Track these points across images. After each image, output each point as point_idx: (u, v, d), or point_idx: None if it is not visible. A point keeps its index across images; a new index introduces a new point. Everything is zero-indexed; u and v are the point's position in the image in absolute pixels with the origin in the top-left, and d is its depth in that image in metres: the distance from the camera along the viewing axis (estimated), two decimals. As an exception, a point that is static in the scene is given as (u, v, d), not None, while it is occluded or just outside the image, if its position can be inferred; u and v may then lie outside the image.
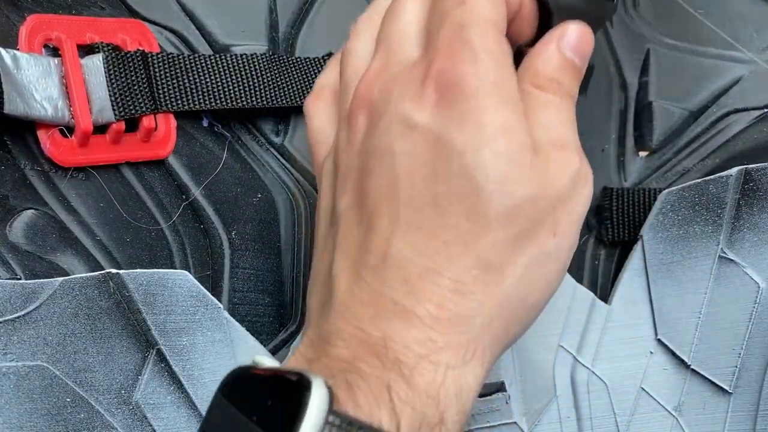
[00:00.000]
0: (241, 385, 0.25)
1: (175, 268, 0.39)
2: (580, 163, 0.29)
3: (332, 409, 0.23)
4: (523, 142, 0.27)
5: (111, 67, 0.37)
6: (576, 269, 0.45)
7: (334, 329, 0.27)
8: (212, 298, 0.37)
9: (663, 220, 0.42)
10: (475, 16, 0.28)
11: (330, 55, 0.45)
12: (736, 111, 0.47)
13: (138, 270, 0.35)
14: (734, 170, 0.41)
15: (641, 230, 0.43)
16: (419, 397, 0.25)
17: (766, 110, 0.47)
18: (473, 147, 0.26)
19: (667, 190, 0.42)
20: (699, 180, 0.41)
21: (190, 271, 0.40)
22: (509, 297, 0.27)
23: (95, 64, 0.37)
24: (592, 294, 0.43)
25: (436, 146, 0.27)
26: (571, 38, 0.30)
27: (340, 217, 0.29)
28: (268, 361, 0.27)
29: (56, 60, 0.36)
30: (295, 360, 0.28)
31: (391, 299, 0.26)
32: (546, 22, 0.31)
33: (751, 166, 0.40)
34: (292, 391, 0.23)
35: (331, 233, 0.30)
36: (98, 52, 0.37)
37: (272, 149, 0.43)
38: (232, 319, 0.37)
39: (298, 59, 0.44)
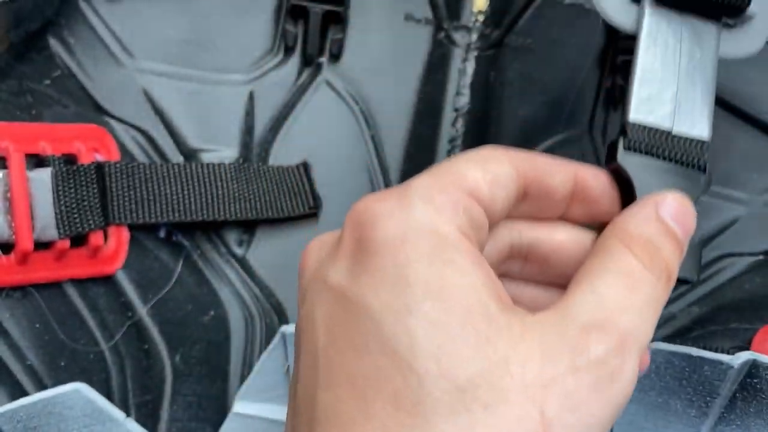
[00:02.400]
0: None
1: (112, 393, 0.37)
2: (619, 356, 0.21)
3: None
4: (469, 306, 0.20)
5: (60, 182, 0.35)
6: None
7: None
8: (111, 410, 0.33)
9: (643, 379, 0.37)
10: (433, 169, 0.23)
11: (306, 164, 0.43)
12: (730, 255, 0.45)
13: (16, 403, 0.31)
14: (739, 360, 0.33)
15: None
16: None
17: (761, 257, 0.44)
18: (398, 314, 0.20)
19: (654, 346, 0.35)
20: (694, 352, 0.34)
21: (128, 396, 0.38)
22: None
23: (43, 179, 0.35)
24: None
25: (352, 311, 0.21)
26: (672, 205, 0.24)
27: (289, 389, 0.25)
28: None
29: (1, 173, 0.34)
30: None
31: None
32: (628, 198, 0.26)
33: (760, 359, 0.33)
34: None
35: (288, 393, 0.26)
36: (48, 165, 0.35)
37: (233, 261, 0.41)
38: (138, 428, 0.34)
39: (270, 168, 0.42)
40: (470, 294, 0.21)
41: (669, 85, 0.28)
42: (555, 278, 0.27)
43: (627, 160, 0.27)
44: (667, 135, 0.27)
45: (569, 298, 0.22)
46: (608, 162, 0.27)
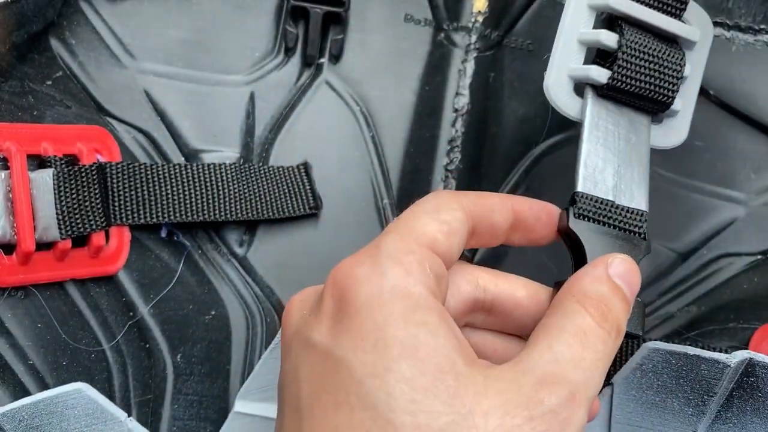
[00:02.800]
0: None
1: (114, 392, 0.37)
2: (569, 407, 0.23)
3: None
4: (439, 364, 0.23)
5: (61, 183, 0.35)
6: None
7: None
8: (113, 409, 0.33)
9: (641, 378, 0.37)
10: (395, 225, 0.26)
11: (306, 164, 0.43)
12: (728, 255, 0.45)
13: (18, 403, 0.31)
14: (735, 359, 0.33)
15: (614, 377, 0.40)
16: None
17: (759, 257, 0.45)
18: (375, 372, 0.23)
19: (652, 345, 0.35)
20: (691, 351, 0.34)
21: (129, 395, 0.38)
22: None
23: (44, 179, 0.35)
24: None
25: (335, 369, 0.23)
26: (620, 267, 0.28)
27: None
28: None
29: (4, 173, 0.34)
30: None
31: None
32: (579, 259, 0.30)
33: (757, 357, 0.33)
34: None
35: None
36: (50, 166, 0.35)
37: (234, 261, 0.42)
38: (139, 428, 0.34)
39: (270, 168, 0.42)
40: (441, 353, 0.23)
41: (610, 164, 0.32)
42: (515, 329, 0.30)
43: (577, 225, 0.30)
44: (611, 205, 0.31)
45: (528, 352, 0.25)
46: (560, 226, 0.31)
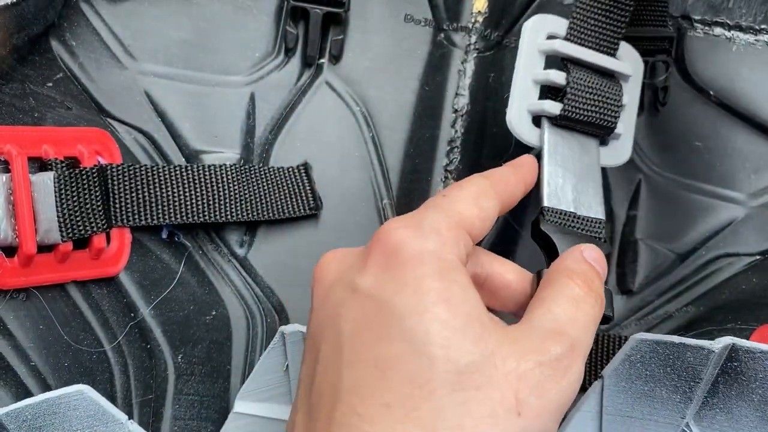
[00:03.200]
0: None
1: (116, 393, 0.37)
2: (565, 353, 0.28)
3: None
4: (468, 313, 0.27)
5: (62, 186, 0.35)
6: (541, 413, 0.43)
7: None
8: (114, 411, 0.34)
9: (630, 369, 0.38)
10: (441, 203, 0.30)
11: (306, 165, 0.43)
12: (727, 255, 0.45)
13: (21, 403, 0.32)
14: (719, 344, 0.35)
15: (603, 370, 0.40)
16: None
17: (758, 258, 0.45)
18: (415, 312, 0.26)
19: (640, 336, 0.36)
20: (677, 339, 0.36)
21: (131, 395, 0.38)
22: None
23: (45, 182, 0.35)
24: None
25: (378, 309, 0.27)
26: (592, 253, 0.33)
27: (301, 378, 0.30)
28: None
29: (5, 176, 0.35)
30: None
31: None
32: (552, 256, 0.35)
33: (739, 342, 0.35)
34: None
35: (295, 395, 0.31)
36: (51, 169, 0.36)
37: (234, 261, 0.42)
38: (139, 430, 0.34)
39: (271, 169, 0.42)
40: (469, 305, 0.27)
41: (569, 181, 0.37)
42: (498, 306, 0.34)
43: (547, 228, 0.36)
44: (573, 216, 0.36)
45: (530, 316, 0.30)
46: (534, 233, 0.36)
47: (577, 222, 0.36)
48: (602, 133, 0.39)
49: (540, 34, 0.38)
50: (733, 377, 0.36)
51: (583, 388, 0.43)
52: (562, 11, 0.46)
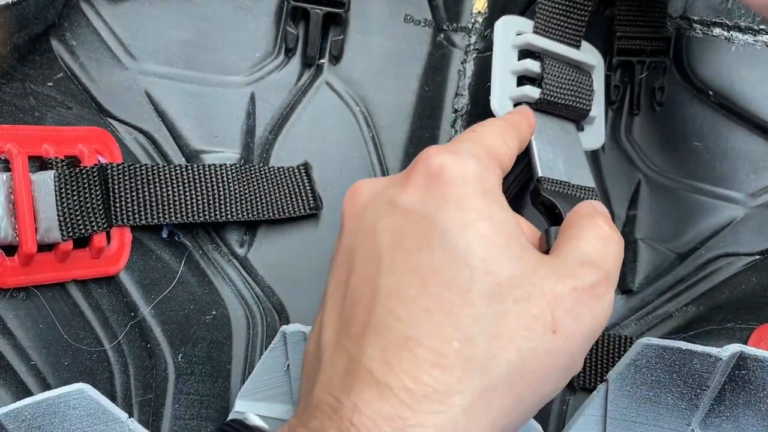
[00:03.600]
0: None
1: (116, 392, 0.37)
2: (599, 282, 0.28)
3: None
4: (509, 232, 0.28)
5: (63, 185, 0.35)
6: (542, 413, 0.43)
7: (315, 400, 0.26)
8: (114, 410, 0.34)
9: (635, 374, 0.38)
10: (471, 137, 0.31)
11: (306, 165, 0.43)
12: (726, 255, 0.45)
13: (20, 403, 0.32)
14: (727, 352, 0.34)
15: (608, 374, 0.40)
16: None
17: (758, 257, 0.45)
18: (458, 226, 0.27)
19: (646, 341, 0.36)
20: (683, 346, 0.35)
21: (131, 394, 0.38)
22: (494, 381, 0.26)
23: (46, 181, 0.35)
24: (538, 426, 0.40)
25: (419, 222, 0.27)
26: (599, 206, 0.33)
27: (327, 296, 0.30)
28: (257, 420, 0.29)
29: (5, 175, 0.35)
30: (283, 428, 0.28)
31: (367, 368, 0.26)
32: (555, 220, 0.36)
33: (748, 350, 0.34)
34: None
35: (319, 314, 0.30)
36: (51, 168, 0.36)
37: (235, 261, 0.42)
38: (139, 428, 0.34)
39: (271, 169, 0.42)
40: (511, 225, 0.28)
41: (559, 156, 0.39)
42: None
43: (548, 193, 0.37)
44: (568, 184, 0.37)
45: (558, 252, 0.29)
46: (534, 200, 0.37)
47: (573, 189, 0.38)
48: (578, 116, 0.41)
49: (510, 32, 0.41)
50: (740, 385, 0.35)
51: (585, 389, 0.43)
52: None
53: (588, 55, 0.42)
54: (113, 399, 0.37)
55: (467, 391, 0.25)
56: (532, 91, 0.39)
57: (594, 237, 0.30)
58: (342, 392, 0.25)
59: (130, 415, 0.34)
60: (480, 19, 0.46)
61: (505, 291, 0.26)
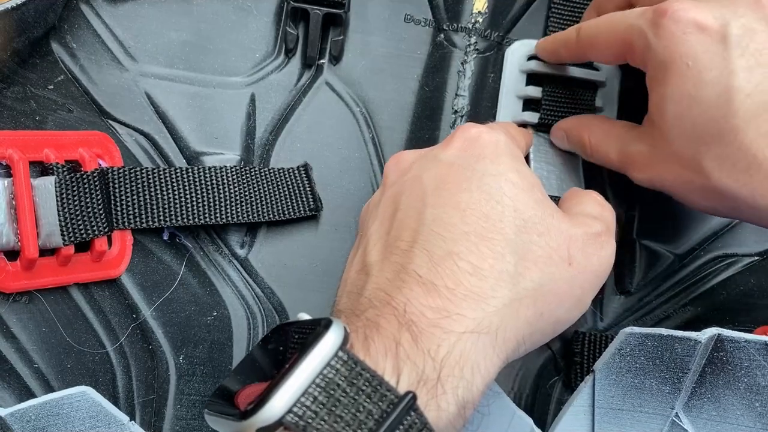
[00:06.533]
0: (277, 331, 0.31)
1: (118, 393, 0.38)
2: (603, 232, 0.35)
3: (343, 347, 0.27)
4: (532, 182, 0.34)
5: (64, 190, 0.36)
6: (539, 413, 0.43)
7: (367, 301, 0.30)
8: (116, 413, 0.34)
9: (620, 362, 0.38)
10: (499, 125, 0.40)
11: (306, 165, 0.43)
12: (725, 256, 0.45)
13: (25, 404, 0.32)
14: (705, 335, 0.36)
15: (595, 365, 0.40)
16: (423, 356, 0.28)
17: (756, 259, 0.45)
18: (492, 174, 0.33)
19: (629, 330, 0.37)
20: (665, 332, 0.37)
21: (133, 395, 0.39)
22: (521, 293, 0.31)
23: (47, 187, 0.35)
24: (530, 422, 0.41)
25: (460, 170, 0.33)
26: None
27: (370, 233, 0.34)
28: (307, 316, 0.31)
29: (6, 181, 0.35)
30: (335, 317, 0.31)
31: (416, 272, 0.30)
32: None
33: (725, 333, 0.36)
34: (314, 330, 0.27)
35: (360, 247, 0.35)
36: (52, 173, 0.36)
37: (235, 262, 0.42)
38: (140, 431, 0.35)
39: (271, 170, 0.43)
40: (533, 178, 0.35)
41: (553, 174, 0.44)
42: None
43: None
44: (558, 199, 0.40)
45: (569, 209, 0.36)
46: None
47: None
48: None
49: (521, 56, 0.45)
50: (719, 367, 0.37)
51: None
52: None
53: (598, 72, 0.45)
54: (115, 400, 0.38)
55: (499, 296, 0.30)
56: (532, 117, 0.44)
57: (593, 202, 0.37)
58: (393, 290, 0.30)
59: (132, 417, 0.35)
60: (480, 19, 0.46)
61: (530, 225, 0.32)
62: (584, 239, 0.34)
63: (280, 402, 0.25)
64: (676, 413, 0.37)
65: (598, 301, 0.45)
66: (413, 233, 0.32)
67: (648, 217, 0.45)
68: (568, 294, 0.33)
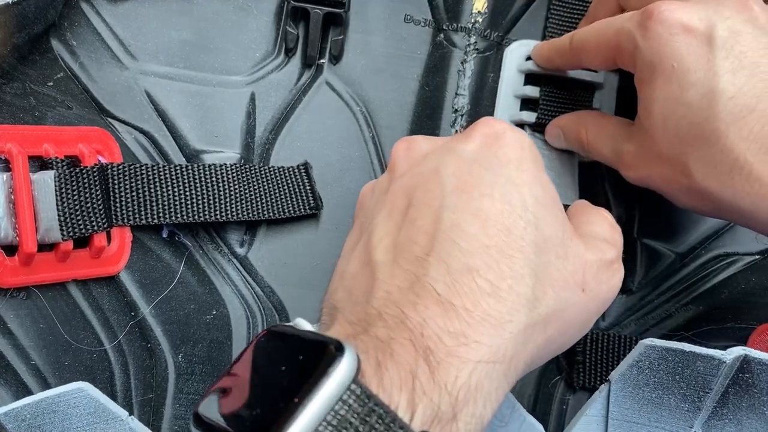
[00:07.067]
0: (277, 339, 0.27)
1: (116, 392, 0.37)
2: (615, 259, 0.34)
3: (356, 379, 0.24)
4: (555, 199, 0.32)
5: (63, 184, 0.35)
6: (542, 413, 0.43)
7: (375, 312, 0.28)
8: (114, 408, 0.33)
9: (638, 375, 0.37)
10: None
11: (306, 164, 0.43)
12: (726, 255, 0.45)
13: (20, 402, 0.31)
14: (731, 355, 0.34)
15: (611, 374, 0.40)
16: (439, 390, 0.26)
17: (757, 257, 0.45)
18: (516, 183, 0.31)
19: (649, 342, 0.36)
20: (687, 348, 0.35)
21: (131, 394, 0.38)
22: (536, 319, 0.29)
23: (46, 181, 0.35)
24: (541, 428, 0.40)
25: (482, 173, 0.30)
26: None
27: (376, 223, 0.32)
28: (306, 325, 0.28)
29: (5, 175, 0.35)
30: (333, 334, 0.28)
31: (432, 287, 0.28)
32: None
33: (752, 353, 0.34)
34: (324, 353, 0.24)
35: (365, 236, 0.32)
36: (51, 167, 0.36)
37: (235, 261, 0.42)
38: (140, 426, 0.34)
39: (271, 169, 0.42)
40: (555, 195, 0.32)
41: (548, 176, 0.41)
42: None
43: None
44: None
45: (581, 229, 0.34)
46: None
47: None
48: None
49: (520, 56, 0.45)
50: (744, 389, 0.35)
51: (585, 389, 0.43)
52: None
53: (595, 74, 0.45)
54: (113, 399, 0.37)
55: (516, 321, 0.28)
56: (529, 116, 0.44)
57: (604, 222, 0.35)
58: (406, 305, 0.27)
59: (130, 415, 0.34)
60: (480, 19, 0.46)
61: (549, 246, 0.30)
62: (598, 266, 0.32)
63: None
64: None
65: (600, 301, 0.45)
66: (429, 239, 0.29)
67: (648, 216, 0.45)
68: (577, 320, 0.32)
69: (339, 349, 0.24)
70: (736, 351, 0.34)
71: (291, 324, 0.28)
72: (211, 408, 0.26)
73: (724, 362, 0.34)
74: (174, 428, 0.38)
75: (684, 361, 0.35)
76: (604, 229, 0.34)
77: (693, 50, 0.34)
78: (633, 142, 0.38)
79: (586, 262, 0.32)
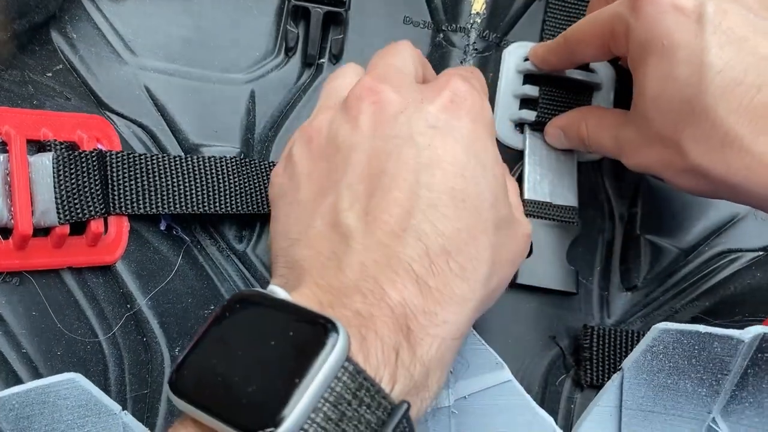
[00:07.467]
0: (259, 307, 0.27)
1: (110, 385, 0.36)
2: (526, 225, 0.36)
3: (349, 357, 0.25)
4: (505, 171, 0.35)
5: (61, 167, 0.35)
6: (549, 411, 0.41)
7: (352, 284, 0.28)
8: (107, 401, 0.32)
9: (652, 361, 0.35)
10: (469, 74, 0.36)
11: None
12: (730, 251, 0.45)
13: (8, 391, 0.30)
14: (750, 334, 0.33)
15: (623, 362, 0.38)
16: (416, 365, 0.28)
17: (761, 253, 0.44)
18: (483, 165, 0.32)
19: (663, 326, 0.34)
20: (703, 329, 0.34)
21: (125, 388, 0.36)
22: (488, 293, 0.32)
23: (44, 163, 0.34)
24: (552, 421, 0.38)
25: (455, 145, 0.31)
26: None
27: (343, 185, 0.31)
28: (282, 293, 0.28)
29: (2, 156, 0.34)
30: (306, 300, 0.28)
31: (411, 267, 0.29)
32: None
33: None
34: (320, 332, 0.25)
35: (331, 195, 0.31)
36: (49, 150, 0.35)
37: (233, 256, 0.41)
38: (134, 422, 0.33)
39: (271, 164, 0.42)
40: (506, 169, 0.35)
41: (546, 177, 0.44)
42: None
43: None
44: (549, 205, 0.43)
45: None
46: None
47: (552, 209, 0.43)
48: None
49: (518, 57, 0.45)
50: (764, 369, 0.34)
51: (593, 386, 0.42)
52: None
53: (594, 74, 0.45)
54: (107, 393, 0.35)
55: (476, 299, 0.30)
56: (529, 115, 0.44)
57: (515, 191, 0.37)
58: (385, 282, 0.28)
59: (124, 410, 0.33)
60: (479, 20, 0.46)
61: (504, 224, 0.32)
62: (525, 240, 0.35)
63: (295, 424, 0.23)
64: (713, 418, 0.35)
65: (605, 299, 0.44)
66: (405, 214, 0.29)
67: (650, 213, 0.45)
68: (506, 284, 0.35)
69: (332, 328, 0.25)
70: (755, 330, 0.33)
71: (265, 291, 0.28)
72: (193, 376, 0.26)
73: (743, 341, 0.33)
74: (169, 425, 0.36)
75: (700, 343, 0.34)
76: (518, 199, 0.37)
77: (683, 27, 0.34)
78: (630, 127, 0.38)
79: (526, 235, 0.35)
